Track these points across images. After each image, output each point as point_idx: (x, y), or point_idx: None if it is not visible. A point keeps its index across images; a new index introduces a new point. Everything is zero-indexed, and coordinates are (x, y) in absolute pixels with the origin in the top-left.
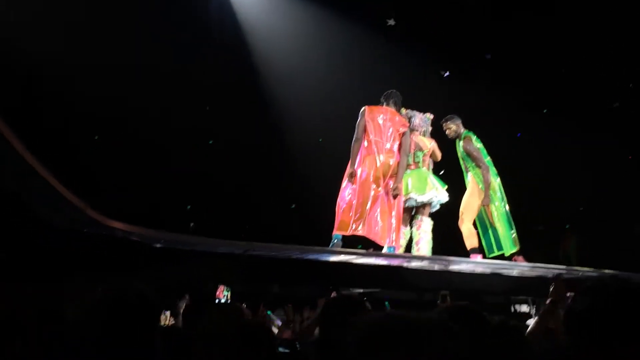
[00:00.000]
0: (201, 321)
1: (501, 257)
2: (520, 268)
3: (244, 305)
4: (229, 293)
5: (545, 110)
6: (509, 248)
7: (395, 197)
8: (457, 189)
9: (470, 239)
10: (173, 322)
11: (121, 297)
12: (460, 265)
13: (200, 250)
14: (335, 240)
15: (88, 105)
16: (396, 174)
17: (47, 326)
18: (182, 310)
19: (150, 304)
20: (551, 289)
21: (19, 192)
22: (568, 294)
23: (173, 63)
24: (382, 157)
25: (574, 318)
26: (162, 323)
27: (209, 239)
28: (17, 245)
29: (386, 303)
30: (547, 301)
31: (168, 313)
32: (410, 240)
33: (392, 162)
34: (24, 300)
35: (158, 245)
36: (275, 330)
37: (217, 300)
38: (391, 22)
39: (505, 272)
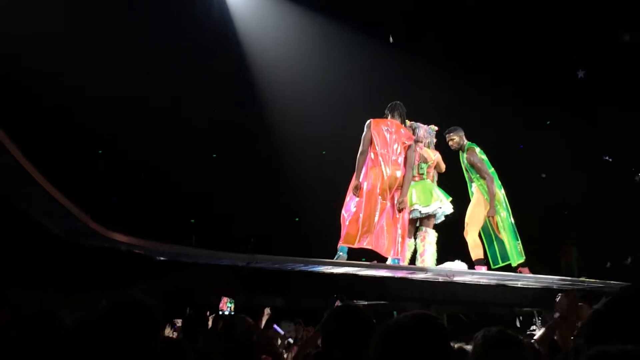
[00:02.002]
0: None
1: (506, 268)
2: (525, 279)
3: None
4: (233, 305)
5: (548, 122)
6: (516, 259)
7: (400, 210)
8: (461, 200)
9: (475, 250)
10: (175, 335)
11: (122, 308)
12: (464, 276)
13: (203, 262)
14: (341, 253)
15: (92, 118)
16: (402, 187)
17: (40, 331)
18: (182, 323)
19: (152, 315)
20: (560, 303)
21: (19, 202)
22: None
23: (177, 77)
24: (388, 170)
25: (598, 324)
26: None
27: (212, 252)
28: (17, 252)
29: (394, 313)
30: (557, 315)
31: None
32: (415, 252)
33: (398, 174)
34: (17, 305)
35: (161, 258)
36: (279, 341)
37: (220, 312)
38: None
39: (510, 283)
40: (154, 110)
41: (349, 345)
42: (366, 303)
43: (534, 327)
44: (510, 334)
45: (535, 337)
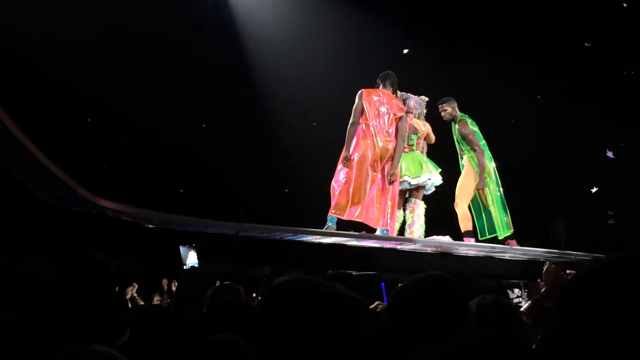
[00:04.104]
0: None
1: (494, 240)
2: (513, 252)
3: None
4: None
5: (538, 97)
6: (503, 231)
7: (391, 182)
8: (451, 172)
9: (464, 222)
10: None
11: (75, 265)
12: (453, 248)
13: (192, 230)
14: (330, 223)
15: (82, 85)
16: (392, 159)
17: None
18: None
19: (106, 271)
20: (546, 277)
21: (7, 168)
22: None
23: (165, 45)
24: (380, 141)
25: (565, 298)
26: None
27: (201, 220)
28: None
29: (382, 284)
30: (542, 290)
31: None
32: (404, 223)
33: (389, 146)
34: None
35: (150, 226)
36: None
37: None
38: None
39: (497, 255)
40: (143, 79)
41: None
42: (355, 273)
43: (517, 297)
44: (504, 302)
45: (522, 309)
